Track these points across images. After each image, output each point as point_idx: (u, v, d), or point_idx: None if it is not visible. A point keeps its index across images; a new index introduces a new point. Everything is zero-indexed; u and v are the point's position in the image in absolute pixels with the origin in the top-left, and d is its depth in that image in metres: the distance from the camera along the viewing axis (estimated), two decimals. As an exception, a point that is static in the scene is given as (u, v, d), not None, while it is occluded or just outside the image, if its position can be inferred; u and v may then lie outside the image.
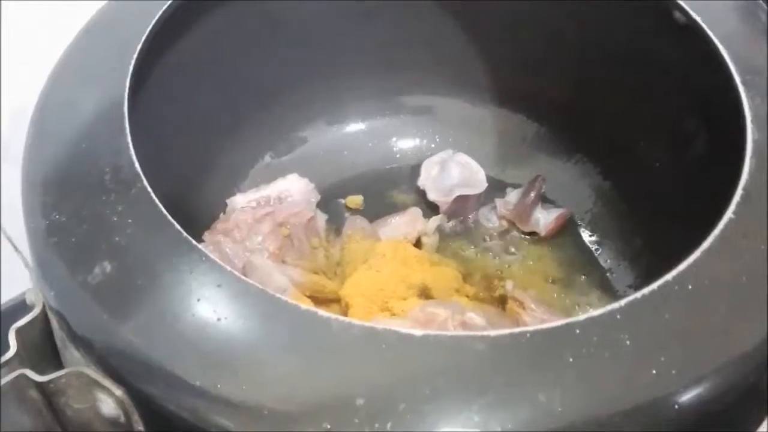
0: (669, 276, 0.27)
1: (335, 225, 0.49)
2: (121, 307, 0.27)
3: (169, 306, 0.26)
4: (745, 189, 0.30)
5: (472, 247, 0.48)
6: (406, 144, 0.54)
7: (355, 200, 0.51)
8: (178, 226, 0.28)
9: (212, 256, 0.27)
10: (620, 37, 0.45)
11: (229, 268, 0.27)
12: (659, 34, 0.42)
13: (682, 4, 0.39)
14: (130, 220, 0.29)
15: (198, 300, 0.26)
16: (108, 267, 0.28)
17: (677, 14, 0.40)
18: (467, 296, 0.44)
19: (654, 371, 0.24)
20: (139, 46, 0.36)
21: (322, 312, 0.26)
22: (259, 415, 0.24)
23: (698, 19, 0.38)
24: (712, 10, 0.38)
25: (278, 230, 0.46)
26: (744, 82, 0.34)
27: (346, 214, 0.50)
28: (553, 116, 0.51)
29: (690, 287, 0.27)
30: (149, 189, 0.30)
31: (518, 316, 0.42)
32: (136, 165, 0.31)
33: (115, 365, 0.26)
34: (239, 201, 0.48)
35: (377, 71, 0.51)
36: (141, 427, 0.27)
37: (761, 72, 0.34)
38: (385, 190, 0.52)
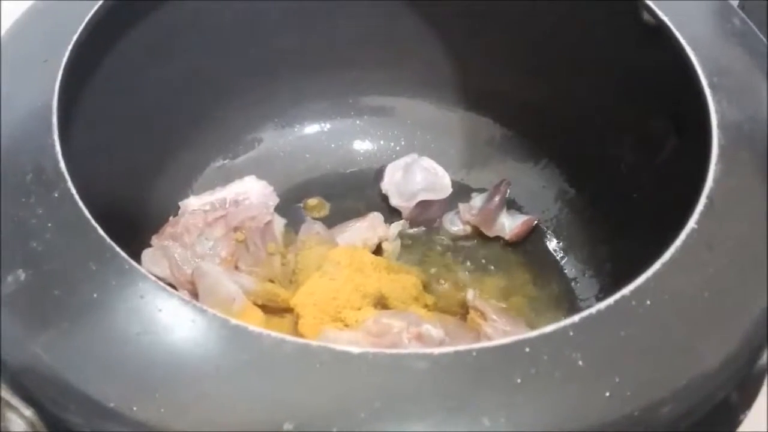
0: (626, 290, 0.25)
1: (294, 230, 0.47)
2: (33, 320, 0.25)
3: (85, 319, 0.24)
4: (709, 197, 0.28)
5: (435, 253, 0.47)
6: (369, 146, 0.52)
7: (316, 204, 0.49)
8: (101, 231, 0.26)
9: (135, 264, 0.25)
10: (589, 40, 0.43)
11: (153, 278, 0.25)
12: (628, 37, 0.40)
13: (651, 5, 0.37)
14: (49, 224, 0.27)
15: (118, 313, 0.24)
16: (22, 275, 0.26)
17: (646, 16, 0.38)
18: (427, 305, 0.42)
19: (607, 393, 0.23)
20: (75, 37, 0.33)
21: (253, 327, 0.24)
22: (178, 441, 0.22)
23: (667, 20, 0.37)
24: (682, 11, 0.37)
25: (231, 235, 0.44)
26: (711, 85, 0.32)
27: (307, 219, 0.48)
28: (520, 120, 0.49)
29: (648, 303, 0.25)
30: (73, 191, 0.28)
31: (479, 327, 0.40)
32: (61, 165, 0.28)
33: (25, 384, 0.24)
34: (193, 203, 0.46)
35: (338, 71, 0.49)
36: (55, 450, 0.25)
37: (730, 74, 0.33)
38: (347, 195, 0.50)
